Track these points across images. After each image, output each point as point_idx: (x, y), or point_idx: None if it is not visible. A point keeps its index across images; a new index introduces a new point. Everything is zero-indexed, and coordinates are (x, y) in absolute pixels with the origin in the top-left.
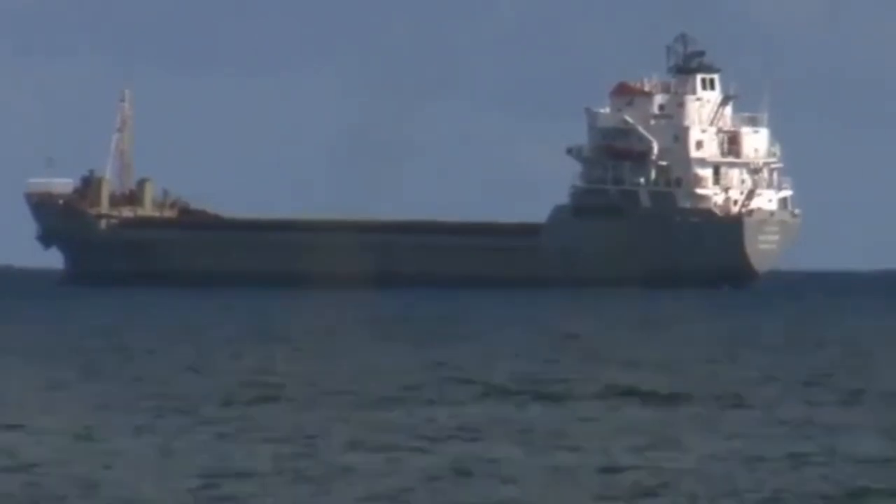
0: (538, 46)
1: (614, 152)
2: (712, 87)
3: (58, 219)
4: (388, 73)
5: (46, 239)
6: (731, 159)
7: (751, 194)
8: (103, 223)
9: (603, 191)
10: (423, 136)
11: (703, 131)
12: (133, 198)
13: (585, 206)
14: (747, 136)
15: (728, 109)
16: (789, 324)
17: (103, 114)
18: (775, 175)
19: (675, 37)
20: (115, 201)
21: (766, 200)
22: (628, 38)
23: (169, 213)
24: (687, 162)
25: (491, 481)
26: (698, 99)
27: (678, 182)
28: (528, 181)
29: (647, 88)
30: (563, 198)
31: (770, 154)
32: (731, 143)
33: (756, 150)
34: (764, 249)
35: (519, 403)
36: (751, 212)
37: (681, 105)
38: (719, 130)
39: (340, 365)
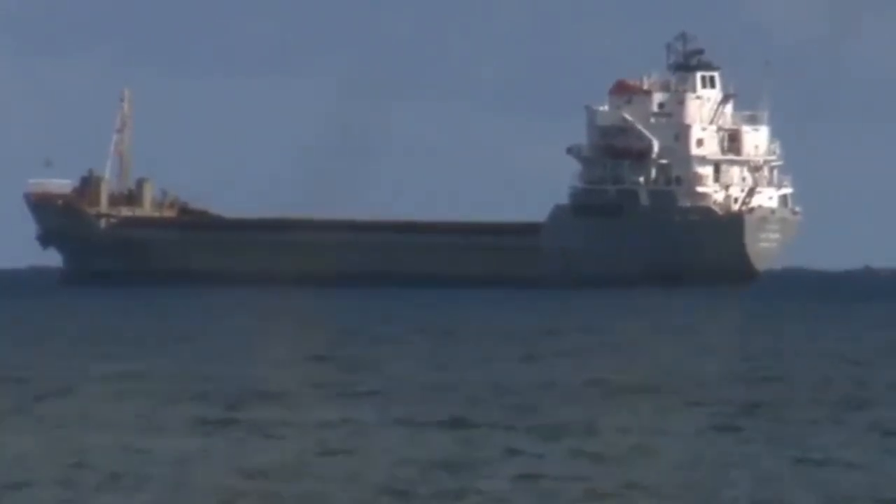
0: (538, 45)
1: (614, 151)
2: (712, 85)
3: (57, 219)
4: (386, 72)
5: (45, 239)
6: (731, 157)
7: (751, 192)
8: (102, 223)
9: (602, 190)
10: (422, 135)
11: (704, 129)
12: (132, 198)
13: (585, 206)
14: (748, 134)
15: (728, 108)
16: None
17: (102, 114)
18: (775, 173)
19: (675, 35)
20: (115, 201)
21: (767, 198)
22: (628, 37)
23: (168, 213)
24: (687, 160)
25: None
26: (698, 97)
27: (678, 180)
28: (528, 181)
29: (646, 86)
30: (563, 198)
31: (770, 152)
32: (732, 141)
33: (756, 148)
34: (764, 248)
35: None
36: (751, 209)
37: (681, 103)
38: (720, 128)
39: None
